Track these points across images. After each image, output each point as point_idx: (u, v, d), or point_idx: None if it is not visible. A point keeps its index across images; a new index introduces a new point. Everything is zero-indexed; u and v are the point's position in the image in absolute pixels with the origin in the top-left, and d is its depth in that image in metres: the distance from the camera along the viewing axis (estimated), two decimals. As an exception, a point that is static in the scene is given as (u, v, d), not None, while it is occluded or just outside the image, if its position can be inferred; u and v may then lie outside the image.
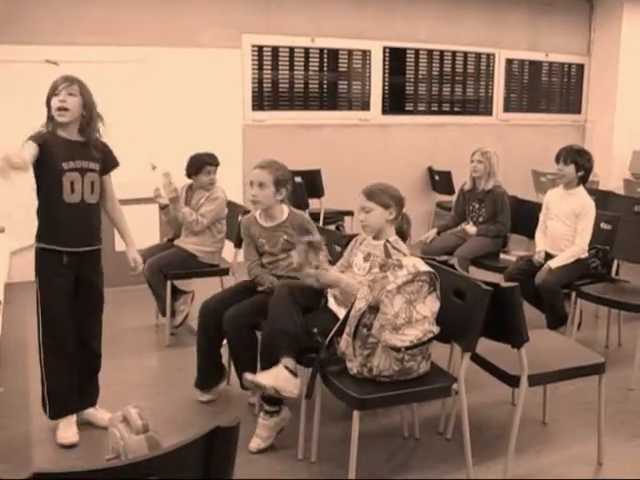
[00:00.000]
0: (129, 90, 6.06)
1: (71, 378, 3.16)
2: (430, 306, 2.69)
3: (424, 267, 2.70)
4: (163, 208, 4.57)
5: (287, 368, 2.93)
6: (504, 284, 2.78)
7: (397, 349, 2.61)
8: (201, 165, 4.59)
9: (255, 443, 3.09)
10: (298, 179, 6.42)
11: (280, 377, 2.90)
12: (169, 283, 4.47)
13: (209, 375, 3.65)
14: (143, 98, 6.12)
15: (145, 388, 3.90)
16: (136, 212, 5.79)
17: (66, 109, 2.97)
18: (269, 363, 2.98)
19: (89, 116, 3.04)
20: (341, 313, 2.97)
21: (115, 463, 1.14)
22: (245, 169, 6.56)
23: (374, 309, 2.63)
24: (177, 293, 4.70)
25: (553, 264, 4.27)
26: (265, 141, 6.75)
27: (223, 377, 3.73)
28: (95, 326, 3.28)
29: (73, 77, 3.05)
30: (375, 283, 2.64)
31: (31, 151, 2.87)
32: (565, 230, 4.40)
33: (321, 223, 6.50)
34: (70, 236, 3.09)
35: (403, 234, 3.17)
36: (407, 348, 2.62)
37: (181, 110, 6.27)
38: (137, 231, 5.61)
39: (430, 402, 3.40)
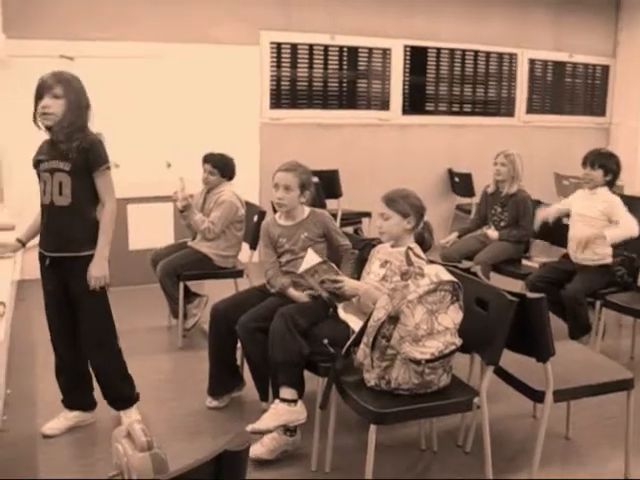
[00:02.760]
0: (144, 86, 6.00)
1: (60, 375, 3.25)
2: (453, 317, 2.58)
3: (447, 276, 2.58)
4: (181, 212, 4.45)
5: (284, 400, 2.93)
6: (530, 295, 2.65)
7: (417, 362, 2.49)
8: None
9: (258, 450, 2.97)
10: (315, 179, 6.29)
11: (280, 413, 2.91)
12: (182, 284, 4.38)
13: (221, 381, 3.56)
14: (158, 95, 6.05)
15: (155, 391, 3.80)
16: (151, 211, 5.77)
17: (49, 114, 2.89)
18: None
19: (72, 116, 2.91)
20: (352, 321, 2.88)
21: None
22: (262, 168, 6.47)
23: (394, 319, 2.51)
24: (191, 295, 4.61)
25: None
26: (282, 140, 6.65)
27: (238, 384, 3.62)
28: (81, 326, 3.09)
29: (60, 76, 2.94)
30: (395, 292, 2.53)
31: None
32: (591, 232, 4.25)
33: (338, 224, 6.39)
34: (44, 239, 3.06)
35: (424, 242, 3.06)
36: (428, 361, 2.50)
37: (197, 107, 6.20)
38: (151, 230, 5.61)
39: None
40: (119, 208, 5.50)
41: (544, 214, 4.60)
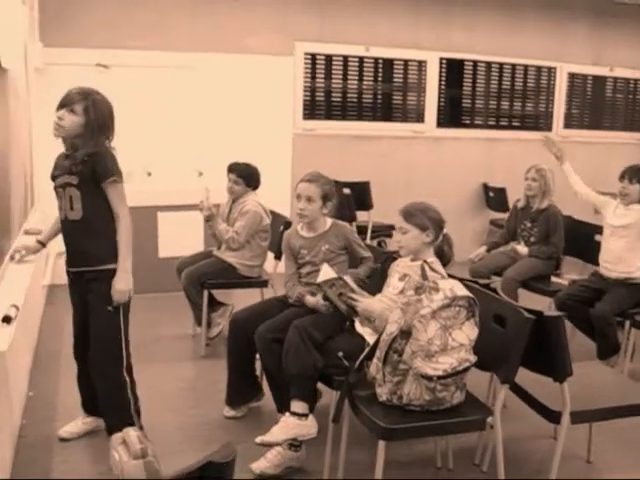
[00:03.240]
0: (178, 95, 6.07)
1: (80, 381, 3.24)
2: (468, 333, 2.52)
3: (462, 291, 2.53)
4: (207, 221, 4.47)
5: (295, 414, 2.92)
6: (548, 313, 2.58)
7: (429, 378, 2.45)
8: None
9: (262, 465, 2.96)
10: (347, 191, 6.31)
11: (290, 427, 2.90)
12: (206, 293, 4.39)
13: (240, 391, 3.56)
14: (192, 104, 6.11)
15: (175, 399, 3.82)
16: (181, 219, 5.81)
17: (61, 127, 2.84)
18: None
19: (88, 134, 2.84)
20: (368, 334, 2.84)
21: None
22: (294, 179, 6.45)
23: (406, 334, 2.47)
24: (215, 304, 4.62)
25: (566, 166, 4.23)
26: (315, 151, 6.66)
27: (257, 395, 3.61)
28: (94, 341, 2.99)
29: (87, 94, 2.87)
30: (409, 306, 2.49)
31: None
32: (623, 245, 4.16)
33: (369, 236, 6.37)
34: (66, 254, 3.05)
35: (444, 256, 3.01)
36: (440, 377, 2.46)
37: (230, 117, 6.24)
38: (181, 238, 5.65)
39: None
40: (150, 216, 5.72)
41: None
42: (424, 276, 2.62)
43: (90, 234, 2.90)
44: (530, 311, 2.57)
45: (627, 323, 4.06)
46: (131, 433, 1.85)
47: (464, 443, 3.23)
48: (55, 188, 2.97)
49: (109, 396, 3.01)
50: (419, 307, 2.46)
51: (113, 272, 2.90)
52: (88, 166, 2.83)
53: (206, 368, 4.26)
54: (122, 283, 2.90)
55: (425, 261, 2.76)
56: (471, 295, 2.53)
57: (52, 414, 3.50)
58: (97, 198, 2.88)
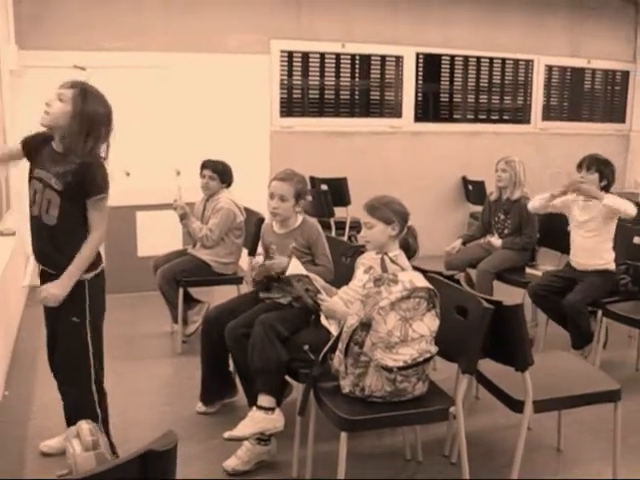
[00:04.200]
0: (155, 95, 6.07)
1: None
2: (429, 324, 2.55)
3: (422, 283, 2.56)
4: (181, 219, 4.48)
5: (261, 407, 2.93)
6: (507, 302, 2.61)
7: (389, 369, 2.48)
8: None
9: (233, 462, 2.99)
10: (324, 187, 6.34)
11: (256, 421, 2.92)
12: (181, 290, 4.41)
13: (213, 389, 3.58)
14: (169, 104, 6.12)
15: (150, 396, 3.85)
16: (159, 218, 5.82)
17: (45, 113, 2.63)
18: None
19: (76, 128, 2.60)
20: (333, 328, 2.86)
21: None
22: (272, 176, 6.48)
23: (366, 326, 2.50)
24: (192, 302, 4.64)
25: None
26: (293, 148, 6.68)
27: (230, 392, 3.62)
28: (60, 342, 2.84)
29: (79, 84, 2.68)
30: (368, 299, 2.52)
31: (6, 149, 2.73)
32: (593, 238, 4.18)
33: (347, 232, 6.40)
34: (34, 248, 2.81)
35: (409, 248, 3.02)
36: (400, 368, 2.48)
37: (208, 116, 6.26)
38: (160, 237, 5.66)
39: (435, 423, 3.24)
40: (128, 215, 5.72)
41: None
42: (384, 268, 2.65)
43: (59, 242, 2.71)
44: (490, 301, 2.61)
45: (599, 312, 4.08)
46: (83, 426, 1.88)
47: (433, 435, 3.26)
48: (32, 177, 2.73)
49: (75, 408, 2.80)
50: (378, 299, 2.48)
51: (79, 282, 2.71)
52: (77, 176, 2.62)
53: (182, 365, 4.28)
54: (58, 288, 2.67)
55: (385, 253, 2.78)
56: (431, 286, 2.56)
57: (27, 413, 3.51)
58: (76, 208, 2.69)
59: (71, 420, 2.76)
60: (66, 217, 2.68)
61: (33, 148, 2.78)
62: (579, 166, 4.22)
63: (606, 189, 4.17)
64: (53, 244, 2.72)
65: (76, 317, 2.76)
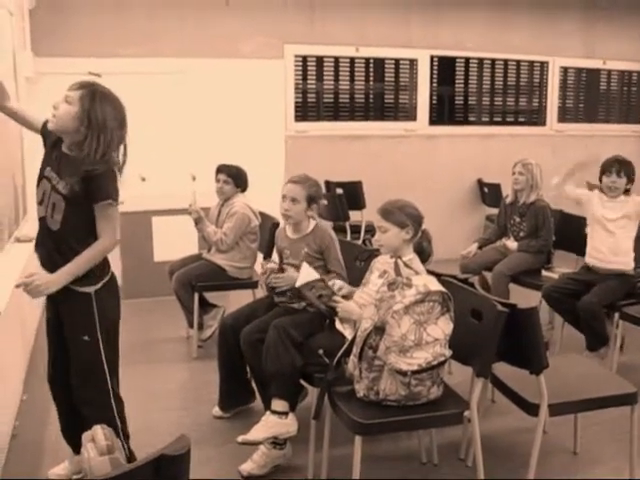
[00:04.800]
0: (170, 101, 6.12)
1: (61, 418, 2.92)
2: (443, 328, 2.55)
3: (436, 286, 2.56)
4: (196, 224, 4.51)
5: (275, 412, 2.95)
6: (521, 305, 2.61)
7: (403, 373, 2.48)
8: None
9: (248, 466, 3.00)
10: (339, 191, 6.35)
11: (270, 425, 2.93)
12: (196, 295, 4.44)
13: (231, 396, 3.59)
14: (184, 109, 6.16)
15: (166, 400, 3.87)
16: (175, 223, 5.85)
17: (53, 117, 2.51)
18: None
19: (84, 131, 2.47)
20: (347, 332, 2.87)
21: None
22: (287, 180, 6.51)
23: (380, 330, 2.50)
24: (207, 306, 4.67)
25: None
26: (307, 152, 6.70)
27: (248, 398, 3.62)
28: (73, 361, 2.70)
29: (87, 85, 2.53)
30: (382, 302, 2.52)
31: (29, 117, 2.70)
32: (618, 236, 4.13)
33: (362, 236, 6.40)
34: (37, 250, 2.68)
35: (423, 252, 3.02)
36: (414, 372, 2.48)
37: (222, 121, 6.29)
38: (176, 242, 5.70)
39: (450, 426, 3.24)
40: (144, 221, 5.76)
41: None
42: (397, 272, 2.66)
43: (63, 248, 2.58)
44: (504, 304, 2.60)
45: (616, 315, 4.06)
46: (99, 430, 1.90)
47: (449, 438, 3.27)
48: (42, 176, 2.61)
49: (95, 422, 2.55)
50: (392, 303, 2.49)
51: (84, 296, 2.58)
52: (84, 183, 2.49)
53: (198, 369, 4.31)
54: (48, 282, 2.50)
55: (399, 257, 2.78)
56: (444, 290, 2.55)
57: (45, 417, 3.54)
58: (82, 214, 2.56)
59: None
60: (70, 223, 2.56)
61: (50, 138, 2.65)
62: (609, 171, 4.16)
63: (628, 191, 4.15)
64: (57, 249, 2.58)
65: (87, 336, 2.62)
